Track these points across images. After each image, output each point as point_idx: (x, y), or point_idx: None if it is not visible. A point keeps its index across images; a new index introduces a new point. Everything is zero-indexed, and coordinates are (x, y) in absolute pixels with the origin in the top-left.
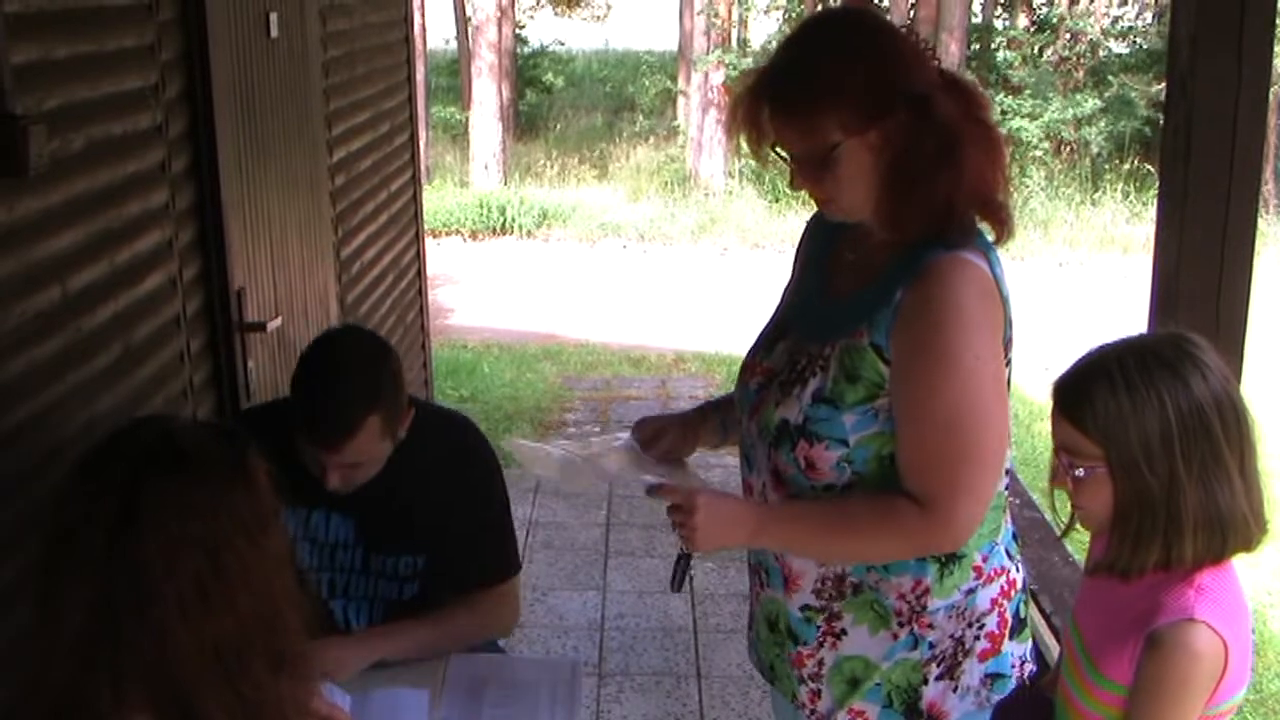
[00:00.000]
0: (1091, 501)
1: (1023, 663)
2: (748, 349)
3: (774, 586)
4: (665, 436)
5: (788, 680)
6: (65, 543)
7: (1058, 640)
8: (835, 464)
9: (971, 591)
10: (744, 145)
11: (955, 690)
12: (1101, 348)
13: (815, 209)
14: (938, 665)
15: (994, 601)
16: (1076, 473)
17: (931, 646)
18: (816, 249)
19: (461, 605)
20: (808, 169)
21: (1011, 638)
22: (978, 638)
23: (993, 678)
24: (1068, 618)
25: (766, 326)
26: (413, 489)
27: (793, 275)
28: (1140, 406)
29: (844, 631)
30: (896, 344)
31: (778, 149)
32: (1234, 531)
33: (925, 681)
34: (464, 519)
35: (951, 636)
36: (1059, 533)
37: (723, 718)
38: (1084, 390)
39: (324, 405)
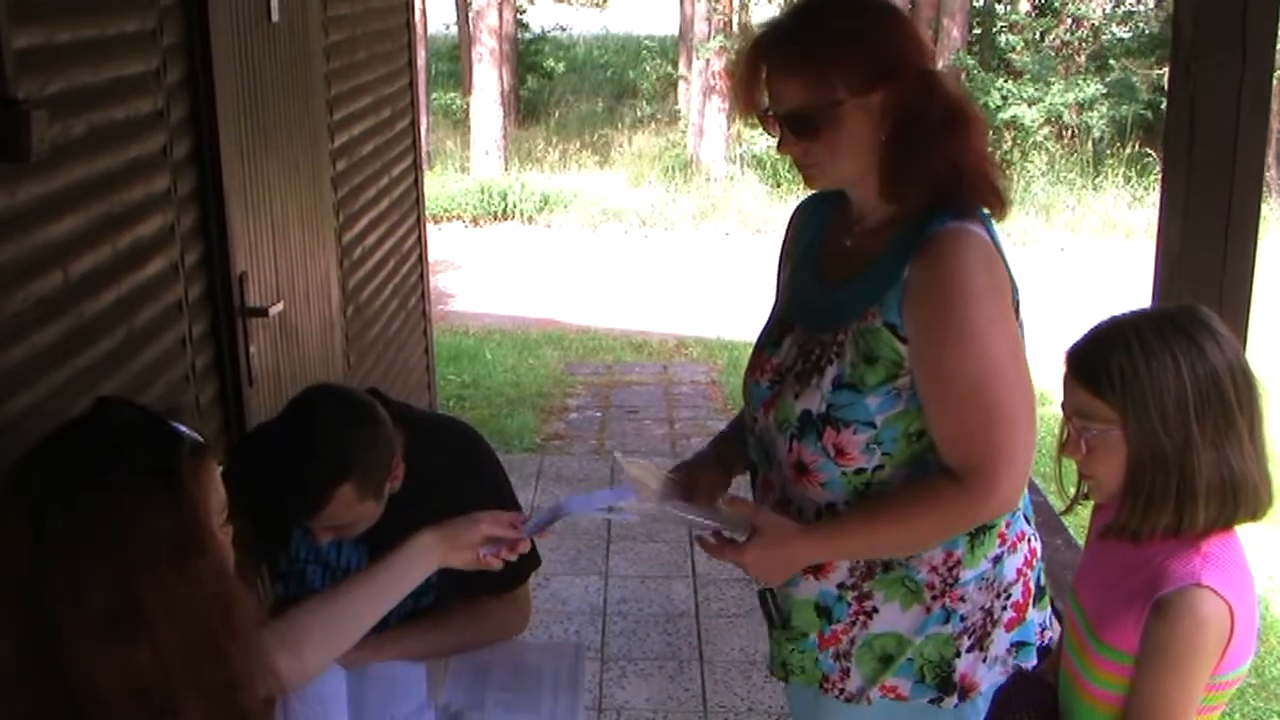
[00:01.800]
0: (1103, 467)
1: (1043, 629)
2: (753, 346)
3: (786, 584)
4: (700, 481)
5: (810, 669)
6: None
7: (1060, 623)
8: (864, 447)
9: (998, 560)
10: (738, 100)
11: (985, 660)
12: (1115, 317)
13: (802, 200)
14: (969, 637)
15: (1019, 571)
16: (1090, 437)
17: (962, 619)
18: (806, 240)
19: (470, 611)
20: (802, 127)
21: (1034, 605)
22: (1005, 608)
23: (1018, 646)
24: (1068, 595)
25: (769, 322)
26: (420, 507)
27: (783, 268)
28: (1157, 369)
29: (875, 610)
30: (910, 320)
31: (769, 111)
32: (1244, 497)
33: (958, 654)
34: None
35: (981, 608)
36: (1062, 509)
37: (725, 702)
38: (1100, 354)
39: (288, 481)
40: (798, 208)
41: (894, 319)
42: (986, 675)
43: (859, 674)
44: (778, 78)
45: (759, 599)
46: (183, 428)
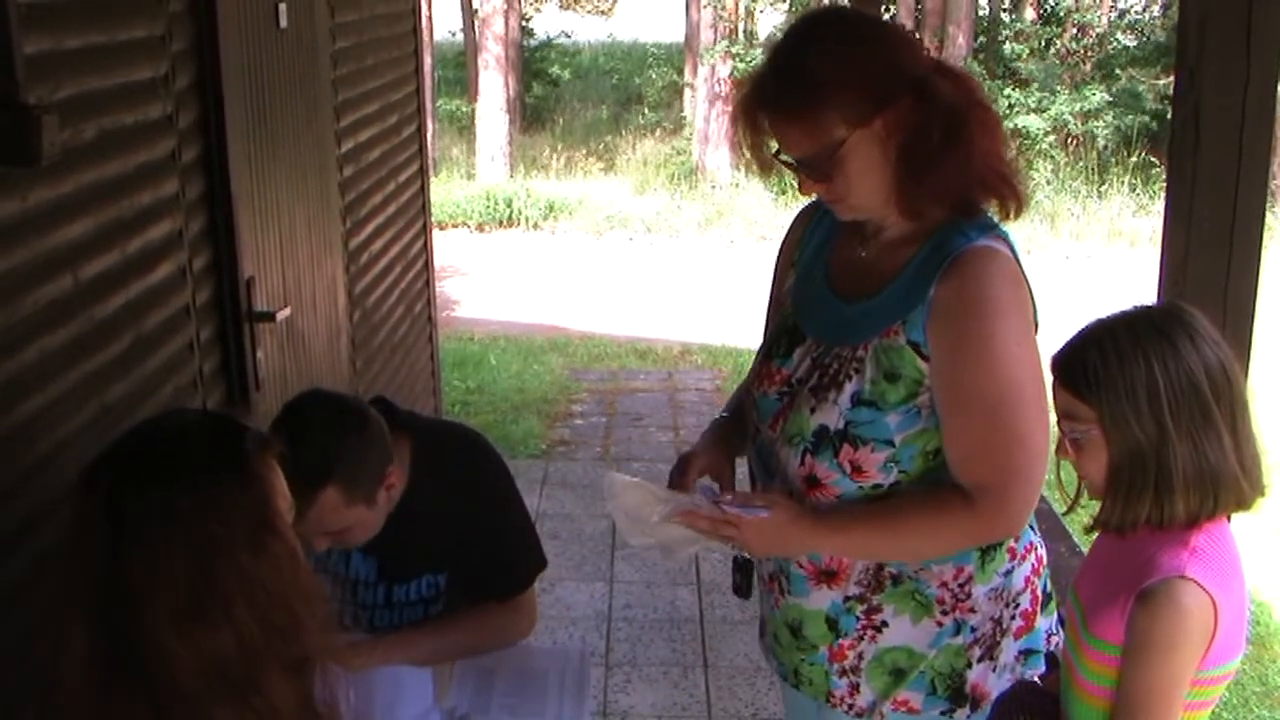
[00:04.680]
0: (1090, 466)
1: (1049, 635)
2: (757, 354)
3: (797, 594)
4: (701, 465)
5: (818, 682)
6: (66, 563)
7: (1064, 628)
8: (882, 465)
9: (1009, 573)
10: (748, 154)
11: (994, 670)
12: (1098, 320)
13: (805, 203)
14: (979, 647)
15: (1027, 580)
16: (1075, 437)
17: (973, 630)
18: (813, 247)
19: (476, 615)
20: (815, 170)
21: (1041, 612)
22: (1014, 617)
23: (1026, 654)
24: (1069, 591)
25: (772, 330)
26: (428, 515)
27: (782, 273)
28: (1129, 368)
29: (884, 624)
30: (935, 338)
31: (782, 156)
32: (1225, 489)
33: (969, 665)
34: (480, 535)
35: (991, 619)
36: (1064, 510)
37: (730, 708)
38: (1079, 357)
39: None
40: (802, 213)
41: (918, 337)
42: (996, 684)
43: (869, 689)
44: (778, 129)
45: (733, 565)
46: (247, 423)
